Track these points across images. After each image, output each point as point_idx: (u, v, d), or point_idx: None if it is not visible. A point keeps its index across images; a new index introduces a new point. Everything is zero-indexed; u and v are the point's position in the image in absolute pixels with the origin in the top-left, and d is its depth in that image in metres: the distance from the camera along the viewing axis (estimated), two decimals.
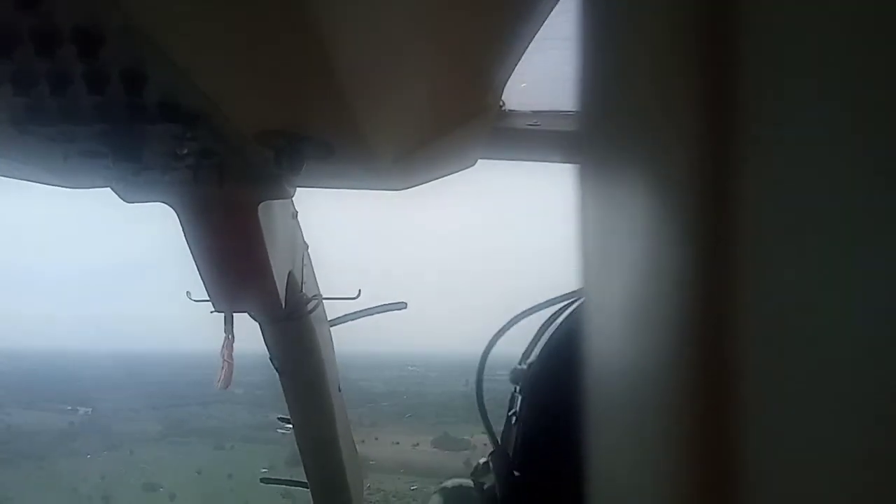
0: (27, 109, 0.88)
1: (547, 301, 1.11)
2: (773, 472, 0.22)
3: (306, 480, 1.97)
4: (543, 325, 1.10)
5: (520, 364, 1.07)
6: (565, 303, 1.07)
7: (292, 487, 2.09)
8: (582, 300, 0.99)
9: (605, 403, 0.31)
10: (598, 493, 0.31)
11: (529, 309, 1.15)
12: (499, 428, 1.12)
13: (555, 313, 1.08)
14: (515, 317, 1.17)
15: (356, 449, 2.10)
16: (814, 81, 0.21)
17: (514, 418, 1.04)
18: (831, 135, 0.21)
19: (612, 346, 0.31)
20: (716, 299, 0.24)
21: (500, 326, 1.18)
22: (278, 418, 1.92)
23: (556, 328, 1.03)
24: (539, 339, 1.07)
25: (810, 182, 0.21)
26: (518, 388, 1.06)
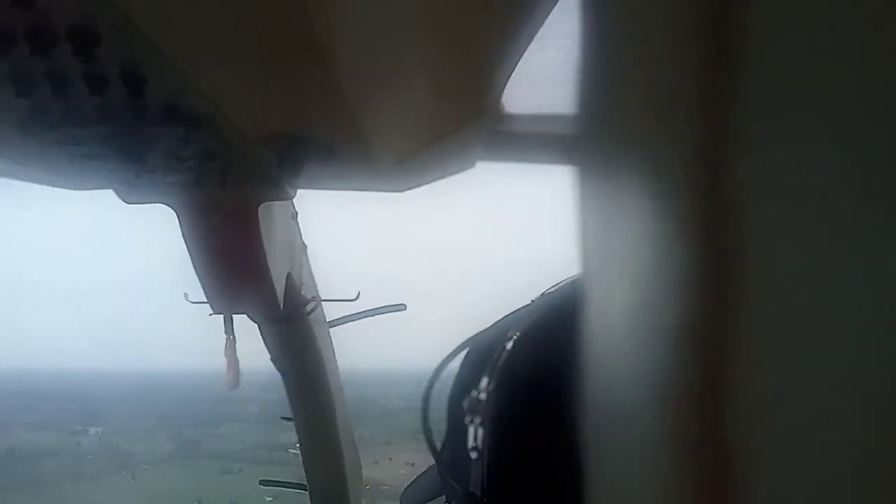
0: (30, 112, 0.91)
1: (499, 321, 1.04)
2: (773, 474, 0.23)
3: (305, 483, 2.01)
4: (491, 348, 1.02)
5: (472, 392, 1.00)
6: (517, 322, 1.00)
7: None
8: (535, 319, 0.97)
9: (604, 406, 0.32)
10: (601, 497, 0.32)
11: (482, 331, 1.07)
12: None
13: (502, 336, 1.00)
14: (467, 341, 1.08)
15: (357, 451, 2.14)
16: (814, 81, 0.22)
17: (474, 453, 0.97)
18: (831, 135, 0.21)
19: (612, 349, 0.31)
20: (716, 301, 0.24)
21: (449, 352, 1.09)
22: (282, 417, 1.96)
23: (512, 353, 0.96)
24: (492, 366, 0.99)
25: (810, 182, 0.22)
26: (476, 419, 0.98)
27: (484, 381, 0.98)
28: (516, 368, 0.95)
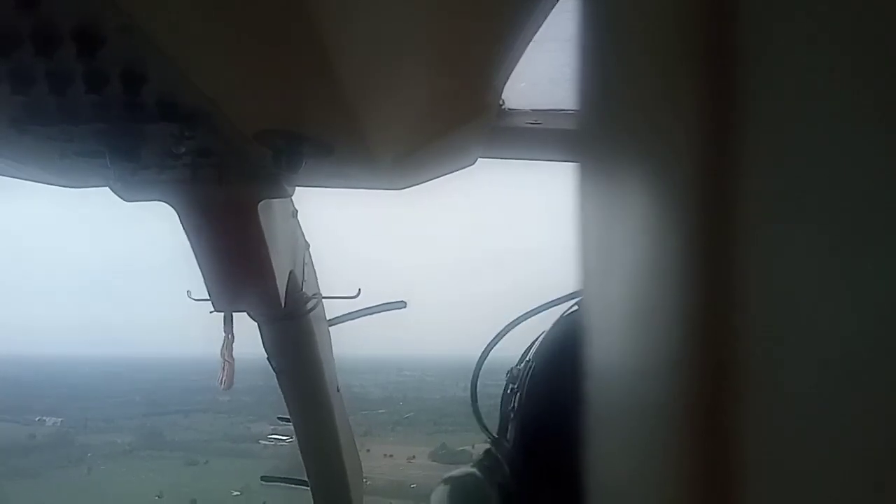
0: (25, 108, 0.93)
1: (546, 303, 1.19)
2: (774, 473, 0.24)
3: (306, 479, 2.08)
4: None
5: (517, 366, 1.15)
6: (564, 305, 1.14)
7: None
8: (578, 302, 1.08)
9: (603, 403, 0.33)
10: (597, 488, 0.33)
11: (529, 311, 1.23)
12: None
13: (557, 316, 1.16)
14: (515, 319, 1.25)
15: (357, 447, 2.21)
16: (814, 81, 0.23)
17: (511, 414, 1.13)
18: (831, 135, 0.22)
19: (612, 346, 0.32)
20: (716, 299, 0.25)
21: (500, 329, 1.26)
22: (278, 418, 2.02)
23: (553, 327, 1.10)
24: (537, 341, 1.14)
25: (810, 182, 0.23)
26: (515, 386, 1.14)
27: (530, 353, 1.14)
28: (552, 346, 1.08)
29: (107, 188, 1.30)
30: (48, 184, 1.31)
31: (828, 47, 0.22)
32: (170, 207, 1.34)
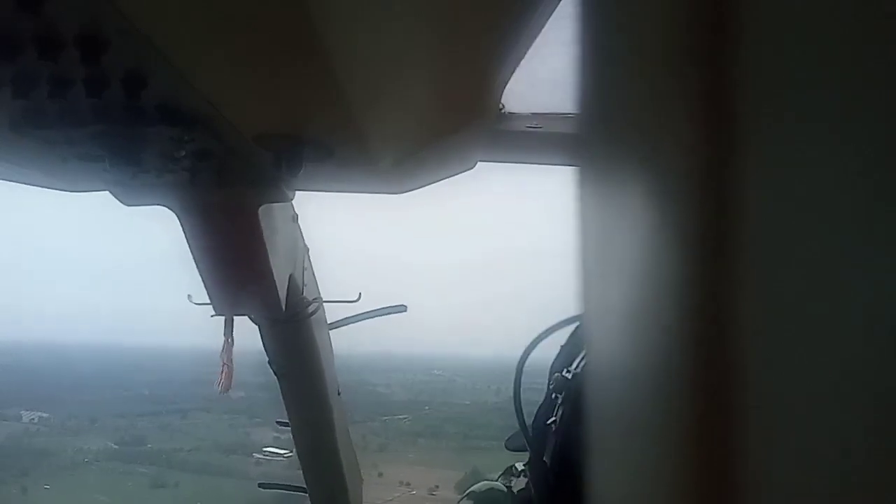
0: (25, 113, 1.04)
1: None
2: (773, 471, 0.26)
3: (304, 485, 2.26)
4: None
5: (561, 372, 1.23)
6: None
7: None
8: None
9: (605, 409, 0.36)
10: (604, 498, 0.36)
11: (568, 319, 1.32)
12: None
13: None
14: (554, 325, 1.34)
15: (355, 452, 2.37)
16: (814, 82, 0.25)
17: (553, 426, 1.22)
18: (831, 135, 0.24)
19: (614, 350, 0.35)
20: (716, 301, 0.27)
21: (538, 334, 1.35)
22: (277, 422, 2.19)
23: None
24: (582, 349, 1.20)
25: (810, 183, 0.25)
26: (559, 396, 1.22)
27: (576, 362, 1.22)
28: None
29: (107, 192, 1.43)
30: (49, 188, 1.45)
31: (827, 49, 0.24)
32: (170, 211, 1.46)
